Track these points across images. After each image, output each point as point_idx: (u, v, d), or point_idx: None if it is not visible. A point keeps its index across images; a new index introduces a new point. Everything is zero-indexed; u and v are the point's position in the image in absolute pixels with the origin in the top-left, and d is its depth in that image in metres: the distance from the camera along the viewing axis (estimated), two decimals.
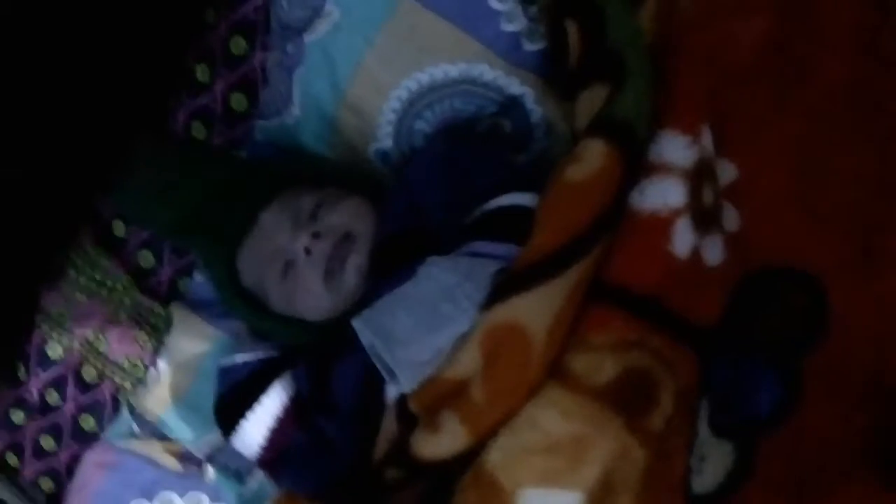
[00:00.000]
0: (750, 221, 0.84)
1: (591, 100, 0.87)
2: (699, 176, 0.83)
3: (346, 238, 0.96)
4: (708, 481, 0.79)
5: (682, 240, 0.81)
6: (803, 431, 0.78)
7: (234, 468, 1.18)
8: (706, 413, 0.81)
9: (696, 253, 0.81)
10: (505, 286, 0.79)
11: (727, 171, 0.85)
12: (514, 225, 0.84)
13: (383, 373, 0.81)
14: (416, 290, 0.82)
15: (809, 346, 0.81)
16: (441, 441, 0.80)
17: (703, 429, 0.80)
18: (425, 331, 0.79)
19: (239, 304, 1.03)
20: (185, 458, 1.20)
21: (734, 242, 0.84)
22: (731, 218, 0.85)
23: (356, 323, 0.81)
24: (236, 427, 1.00)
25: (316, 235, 0.95)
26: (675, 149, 0.82)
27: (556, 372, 0.78)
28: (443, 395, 0.80)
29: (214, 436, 1.13)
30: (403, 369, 0.79)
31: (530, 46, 1.01)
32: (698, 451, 0.80)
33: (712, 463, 0.79)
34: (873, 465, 0.76)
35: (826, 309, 0.81)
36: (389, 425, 0.89)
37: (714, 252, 0.83)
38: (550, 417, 0.77)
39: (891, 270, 0.81)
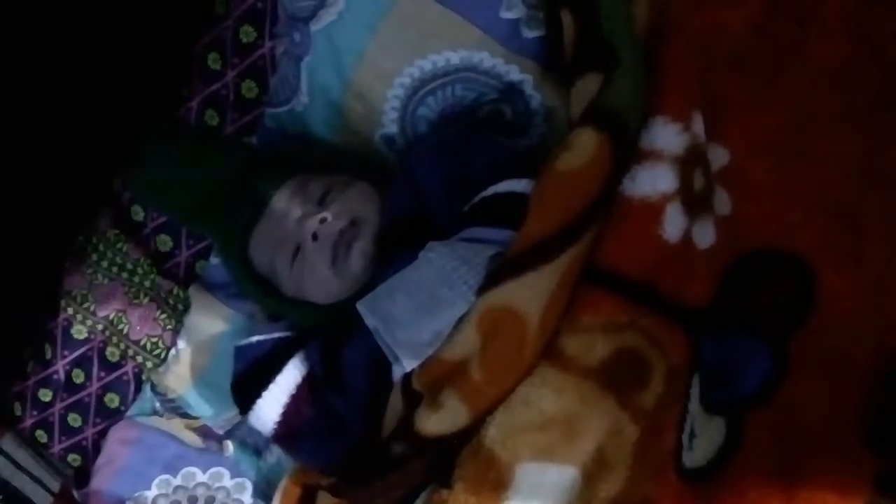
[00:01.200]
0: (740, 205, 0.87)
1: (586, 88, 0.88)
2: (690, 161, 0.85)
3: (353, 224, 0.99)
4: (699, 456, 0.82)
5: (673, 224, 0.83)
6: (791, 406, 0.81)
7: (253, 443, 1.23)
8: (698, 390, 0.84)
9: (686, 237, 0.84)
10: (500, 271, 0.81)
11: (719, 156, 0.87)
12: (510, 211, 0.86)
13: (387, 353, 0.85)
14: (415, 274, 0.85)
15: (797, 324, 0.83)
16: (443, 418, 0.83)
17: (695, 406, 0.83)
18: (423, 314, 0.82)
19: (251, 287, 1.06)
20: (205, 434, 1.24)
21: (726, 225, 0.86)
22: (722, 202, 0.87)
23: (360, 306, 0.84)
24: (253, 405, 1.04)
25: (323, 221, 0.98)
26: (667, 136, 0.84)
27: (549, 353, 0.81)
28: (444, 375, 0.83)
29: (233, 412, 1.17)
30: (404, 350, 0.82)
31: (529, 33, 1.03)
32: (689, 427, 0.82)
33: (703, 439, 0.82)
34: (861, 440, 0.78)
35: (814, 288, 0.83)
36: (396, 403, 0.92)
37: (705, 235, 0.85)
38: (544, 396, 0.80)
39: (875, 250, 0.83)
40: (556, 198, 0.82)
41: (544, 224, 0.81)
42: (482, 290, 0.82)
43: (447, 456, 0.85)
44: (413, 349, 0.83)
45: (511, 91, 1.05)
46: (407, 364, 0.83)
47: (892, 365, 0.81)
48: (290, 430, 1.04)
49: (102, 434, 1.27)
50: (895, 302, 0.82)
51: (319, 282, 1.00)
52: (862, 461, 0.77)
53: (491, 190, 0.91)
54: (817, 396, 0.81)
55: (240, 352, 1.07)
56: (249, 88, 1.20)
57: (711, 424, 0.83)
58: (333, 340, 1.02)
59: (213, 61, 1.20)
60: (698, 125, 0.86)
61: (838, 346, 0.82)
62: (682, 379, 0.82)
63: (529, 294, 0.80)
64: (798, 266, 0.84)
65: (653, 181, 0.83)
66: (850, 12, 0.86)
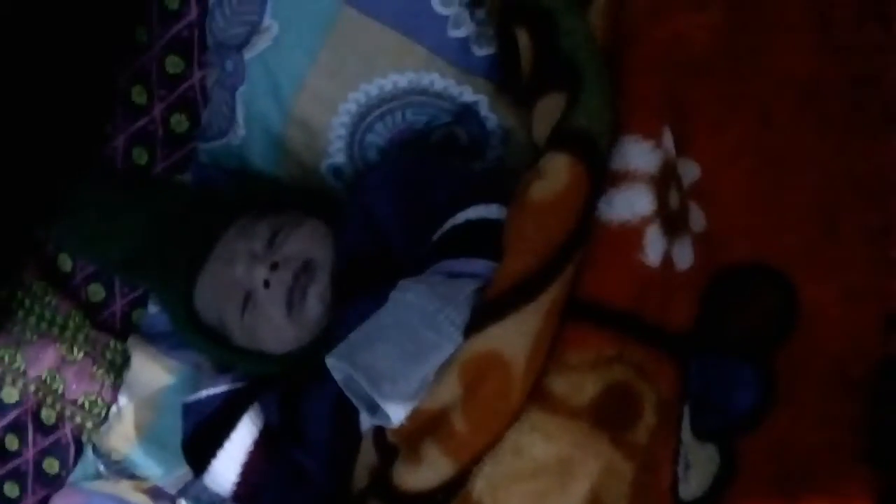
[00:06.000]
0: (715, 220, 0.84)
1: (548, 109, 0.84)
2: (664, 179, 0.82)
3: (307, 266, 0.93)
4: (694, 488, 0.78)
5: (654, 248, 0.80)
6: (784, 427, 0.78)
7: (208, 500, 1.15)
8: (688, 419, 0.80)
9: (667, 259, 0.81)
10: (480, 315, 0.77)
11: (690, 171, 0.84)
12: (486, 239, 0.81)
13: (362, 408, 0.78)
14: (393, 319, 0.78)
15: (781, 339, 0.80)
16: (424, 472, 0.78)
17: (687, 434, 0.80)
18: (410, 362, 0.76)
19: (200, 340, 0.99)
20: (156, 494, 1.16)
21: (701, 242, 0.83)
22: (696, 218, 0.84)
23: (329, 361, 0.77)
24: (208, 465, 0.97)
25: (274, 266, 0.92)
26: (639, 155, 0.81)
27: (537, 395, 0.77)
28: (423, 426, 0.78)
29: (184, 470, 1.10)
30: (393, 405, 0.76)
31: (480, 52, 0.99)
32: (683, 458, 0.79)
33: (697, 469, 0.79)
34: (859, 454, 0.75)
35: (795, 300, 0.80)
36: (367, 455, 0.87)
37: (684, 256, 0.82)
38: (535, 442, 0.76)
39: (854, 256, 0.80)
40: (535, 232, 0.77)
41: (524, 261, 0.76)
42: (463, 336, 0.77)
43: None
44: (402, 401, 0.76)
45: (465, 113, 1.00)
46: (395, 418, 0.76)
47: (879, 375, 0.78)
48: (250, 489, 0.98)
49: (43, 503, 1.18)
50: (876, 309, 0.79)
51: (274, 331, 0.93)
52: (862, 476, 0.74)
53: (461, 217, 0.86)
54: (810, 412, 0.78)
55: (188, 409, 1.00)
56: (179, 122, 1.13)
57: (704, 452, 0.79)
58: (291, 390, 0.97)
59: (138, 95, 1.13)
60: (668, 141, 0.83)
61: (826, 358, 0.79)
62: (673, 410, 0.79)
63: (514, 337, 0.75)
64: (777, 279, 0.82)
65: (630, 204, 0.79)
66: (814, 17, 0.84)
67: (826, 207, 0.82)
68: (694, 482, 0.78)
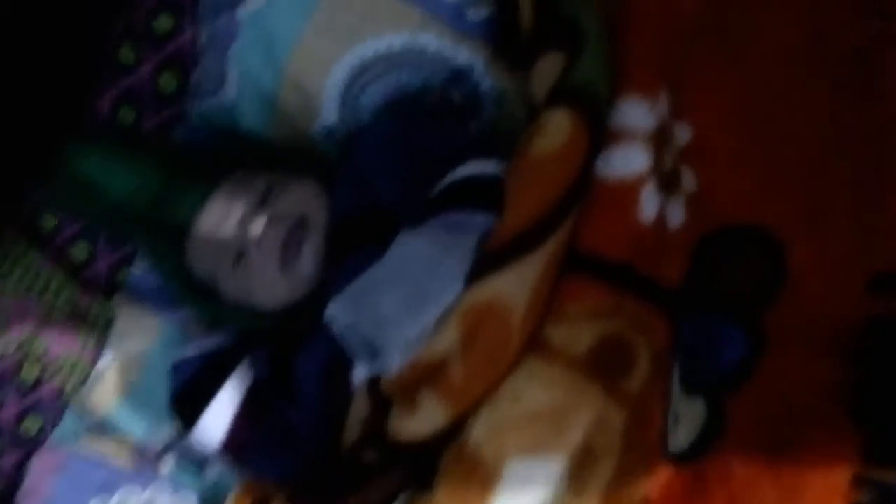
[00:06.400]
0: (706, 182, 0.85)
1: (548, 68, 0.86)
2: (660, 139, 0.83)
3: (300, 223, 0.93)
4: (682, 440, 0.80)
5: (649, 205, 0.81)
6: (771, 382, 0.80)
7: (192, 458, 1.15)
8: (678, 373, 0.82)
9: (660, 217, 0.82)
10: (482, 266, 0.78)
11: (682, 133, 0.86)
12: (486, 193, 0.82)
13: (360, 355, 0.79)
14: (396, 268, 0.80)
15: (770, 298, 0.82)
16: (420, 421, 0.79)
17: (676, 388, 0.82)
18: (414, 310, 0.77)
19: (192, 297, 1.00)
20: (139, 453, 1.16)
21: (693, 203, 0.85)
22: (688, 179, 0.86)
23: (331, 308, 0.78)
24: (196, 422, 0.97)
25: (268, 222, 0.92)
26: (637, 114, 0.82)
27: (535, 344, 0.79)
28: (420, 376, 0.79)
29: (168, 428, 1.10)
30: (396, 350, 0.77)
31: (475, 15, 0.99)
32: (672, 411, 0.81)
33: (685, 422, 0.80)
34: (844, 412, 0.77)
35: (784, 260, 0.82)
36: (360, 408, 0.88)
37: (676, 214, 0.84)
38: (532, 390, 0.77)
39: (844, 219, 0.82)
40: (536, 185, 0.79)
41: (526, 213, 0.78)
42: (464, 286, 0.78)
43: (427, 460, 0.81)
44: (404, 348, 0.77)
45: (459, 75, 1.01)
46: (394, 364, 0.77)
47: (864, 335, 0.81)
48: (239, 443, 0.98)
49: (22, 463, 1.17)
50: (865, 271, 0.82)
51: (268, 287, 0.94)
52: (847, 434, 0.76)
53: (460, 172, 0.87)
54: (797, 370, 0.80)
55: (177, 367, 1.00)
56: (168, 82, 1.12)
57: (692, 406, 0.81)
58: (282, 345, 0.97)
59: (126, 54, 1.12)
60: (664, 102, 0.84)
61: (813, 318, 0.81)
62: (665, 363, 0.81)
63: (514, 287, 0.77)
64: (766, 239, 0.83)
65: (628, 161, 0.81)
66: None
67: (818, 171, 0.84)
68: (682, 433, 0.80)
